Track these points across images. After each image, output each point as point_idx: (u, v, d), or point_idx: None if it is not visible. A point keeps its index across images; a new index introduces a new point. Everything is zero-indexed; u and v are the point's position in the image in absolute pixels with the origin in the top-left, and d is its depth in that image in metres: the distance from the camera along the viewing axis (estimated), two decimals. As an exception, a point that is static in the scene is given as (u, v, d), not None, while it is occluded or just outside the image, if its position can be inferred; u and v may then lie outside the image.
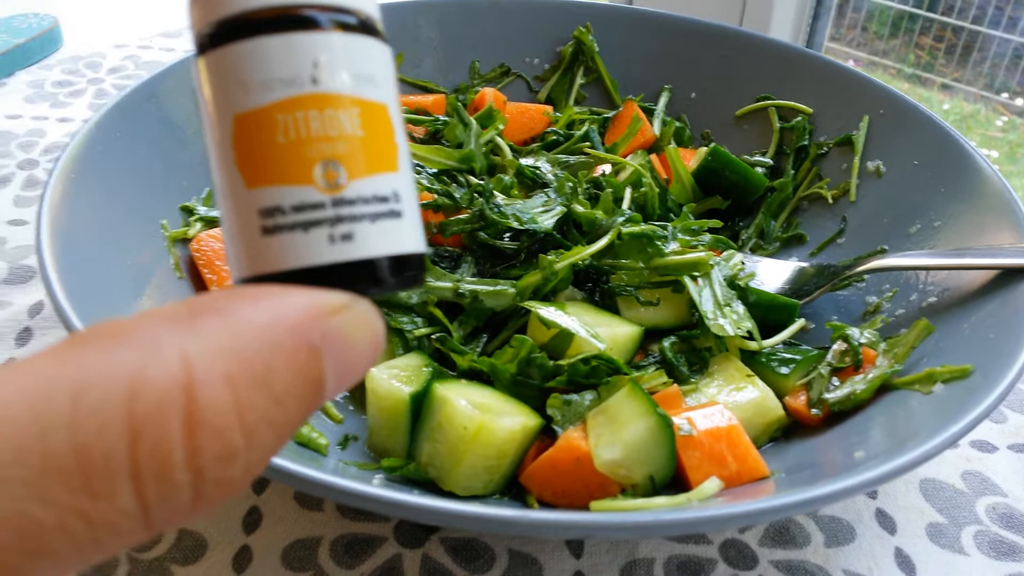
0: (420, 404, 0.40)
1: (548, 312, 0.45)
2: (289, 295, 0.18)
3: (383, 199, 0.20)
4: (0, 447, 0.14)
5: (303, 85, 0.19)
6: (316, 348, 0.18)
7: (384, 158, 0.20)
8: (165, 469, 0.16)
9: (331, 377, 0.19)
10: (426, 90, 0.68)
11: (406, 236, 0.21)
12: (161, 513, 0.16)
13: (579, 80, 0.69)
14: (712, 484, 0.36)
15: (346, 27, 0.20)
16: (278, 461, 0.31)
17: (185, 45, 0.91)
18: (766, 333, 0.48)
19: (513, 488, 0.41)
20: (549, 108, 0.67)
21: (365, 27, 0.21)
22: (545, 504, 0.39)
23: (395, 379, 0.41)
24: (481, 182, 0.53)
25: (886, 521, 0.44)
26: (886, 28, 2.72)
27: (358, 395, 0.46)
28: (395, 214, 0.20)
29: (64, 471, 0.15)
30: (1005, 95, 2.51)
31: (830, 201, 0.58)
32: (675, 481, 0.39)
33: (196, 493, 0.16)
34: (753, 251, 0.59)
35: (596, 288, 0.50)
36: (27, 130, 0.74)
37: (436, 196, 0.51)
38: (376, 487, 0.32)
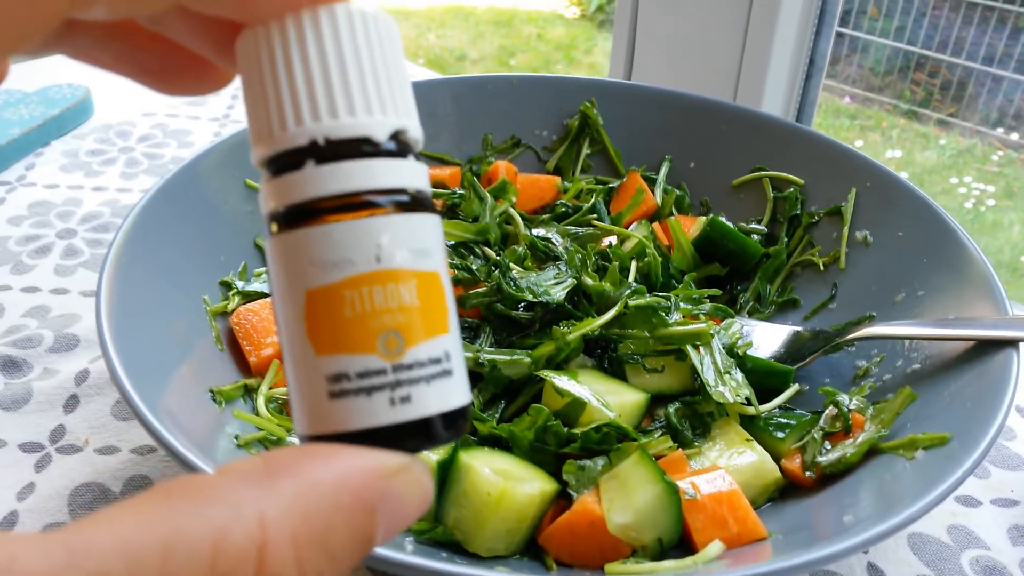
0: (447, 471, 0.44)
1: (562, 382, 0.48)
2: (354, 457, 0.20)
3: (437, 361, 0.22)
4: None
5: (368, 264, 0.21)
6: (374, 509, 0.20)
7: (438, 322, 0.22)
8: None
9: (381, 533, 0.20)
10: (443, 162, 0.72)
11: (456, 392, 0.23)
12: None
13: (585, 151, 0.74)
14: (715, 547, 0.40)
15: (403, 206, 0.22)
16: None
17: (210, 113, 0.96)
18: (763, 397, 0.52)
19: (532, 549, 0.44)
20: (558, 179, 0.72)
21: (418, 203, 0.23)
22: (562, 564, 0.43)
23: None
24: (497, 256, 0.57)
25: (877, 574, 0.47)
26: (882, 65, 2.78)
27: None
28: (447, 373, 0.22)
29: None
30: (1000, 130, 2.57)
31: (821, 268, 0.62)
32: (681, 542, 0.43)
33: None
34: (751, 314, 0.63)
35: (605, 355, 0.54)
36: (64, 199, 0.79)
37: (456, 271, 0.55)
38: (409, 553, 0.35)
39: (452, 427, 0.22)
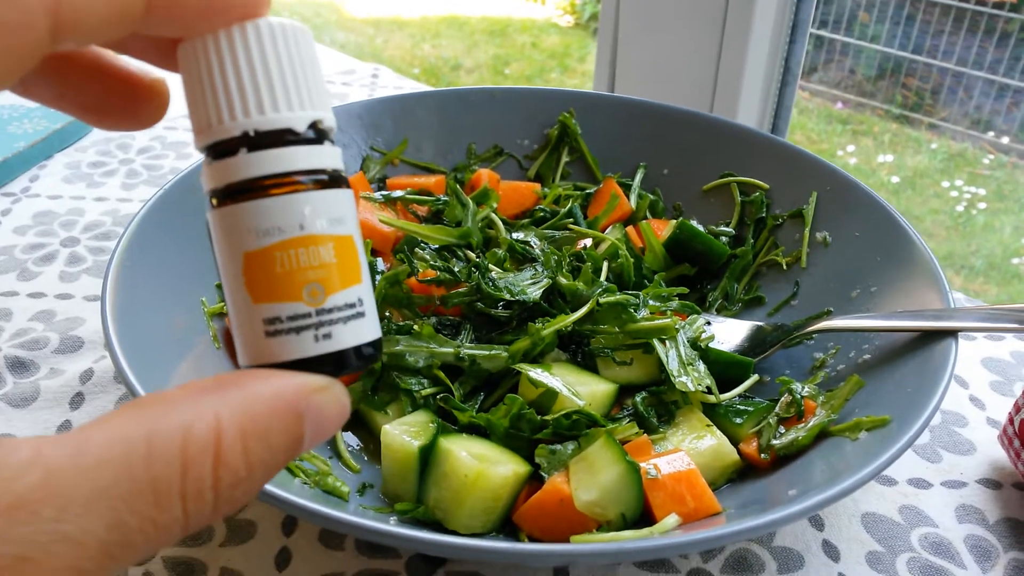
0: (428, 455, 0.48)
1: (536, 373, 0.52)
2: (286, 377, 0.26)
3: (351, 305, 0.27)
4: (107, 475, 0.21)
5: (294, 231, 0.26)
6: (301, 415, 0.26)
7: (352, 275, 0.28)
8: (200, 491, 0.23)
9: (308, 436, 0.26)
10: (428, 170, 0.76)
11: (368, 329, 0.28)
12: (194, 520, 0.23)
13: (564, 159, 0.77)
14: (672, 519, 0.43)
15: (321, 183, 0.27)
16: (314, 506, 0.39)
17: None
18: (727, 386, 0.55)
19: (507, 527, 0.48)
20: (537, 185, 0.75)
21: (334, 180, 0.28)
22: (534, 539, 0.46)
23: (406, 434, 0.49)
24: (478, 258, 0.61)
25: (831, 550, 0.50)
26: (873, 70, 2.82)
27: (373, 448, 0.54)
28: (360, 314, 0.28)
29: (143, 492, 0.22)
30: (991, 134, 2.61)
31: (784, 267, 0.66)
32: (643, 517, 0.46)
33: (215, 507, 0.24)
34: (719, 312, 0.66)
35: (578, 350, 0.57)
36: (67, 209, 0.82)
37: (438, 272, 0.59)
38: (393, 526, 0.39)
39: (364, 357, 0.28)
